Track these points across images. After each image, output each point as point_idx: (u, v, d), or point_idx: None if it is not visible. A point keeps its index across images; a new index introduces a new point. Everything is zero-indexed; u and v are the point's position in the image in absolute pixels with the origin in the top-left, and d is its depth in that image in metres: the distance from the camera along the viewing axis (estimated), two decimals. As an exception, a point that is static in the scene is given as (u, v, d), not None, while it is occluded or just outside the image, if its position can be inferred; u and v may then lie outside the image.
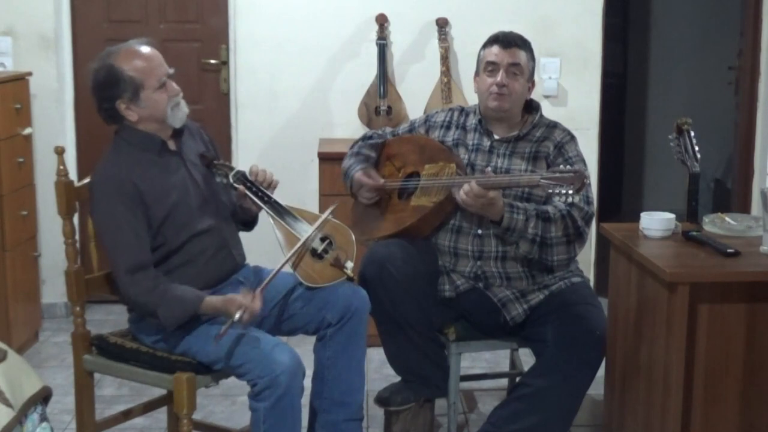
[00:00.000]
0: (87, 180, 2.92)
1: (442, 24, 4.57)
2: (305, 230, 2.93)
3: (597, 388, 3.26)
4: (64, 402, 3.57)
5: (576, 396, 3.09)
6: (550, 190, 2.89)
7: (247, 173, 2.95)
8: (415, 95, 4.57)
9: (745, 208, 4.70)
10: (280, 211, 2.95)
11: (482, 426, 3.19)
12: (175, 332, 2.79)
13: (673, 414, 2.66)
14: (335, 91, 4.68)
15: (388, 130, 3.49)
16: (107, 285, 3.01)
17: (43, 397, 2.51)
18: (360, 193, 3.27)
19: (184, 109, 2.89)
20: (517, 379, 3.34)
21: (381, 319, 3.18)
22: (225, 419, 3.62)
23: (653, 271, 2.71)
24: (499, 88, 3.16)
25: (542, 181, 2.90)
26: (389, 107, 4.53)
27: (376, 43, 4.55)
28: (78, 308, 2.95)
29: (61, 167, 2.91)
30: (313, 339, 3.00)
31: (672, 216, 3.00)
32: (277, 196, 2.99)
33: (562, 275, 3.19)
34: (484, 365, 4.20)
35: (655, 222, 2.96)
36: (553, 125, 3.27)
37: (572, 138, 3.25)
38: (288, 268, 2.93)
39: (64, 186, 2.91)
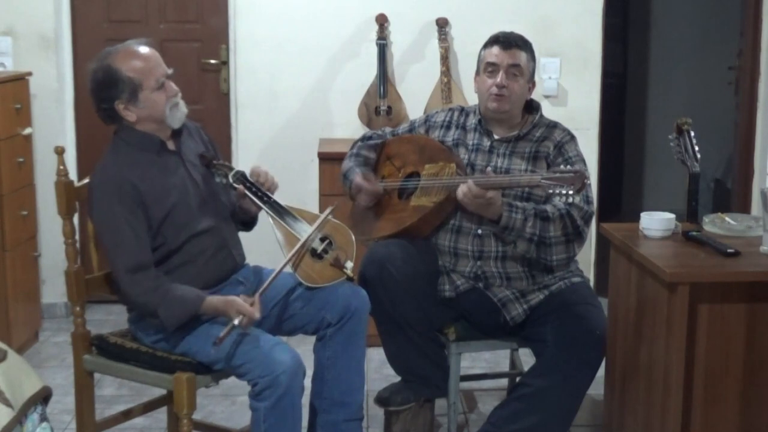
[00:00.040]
0: (86, 180, 2.92)
1: (442, 24, 4.57)
2: (305, 230, 2.93)
3: (597, 388, 3.26)
4: (64, 402, 3.57)
5: (576, 396, 3.10)
6: (551, 191, 2.89)
7: (249, 173, 2.95)
8: (415, 95, 4.57)
9: (745, 208, 4.70)
10: (280, 211, 2.95)
11: (482, 426, 3.19)
12: (175, 332, 2.79)
13: (673, 414, 2.66)
14: (335, 91, 4.68)
15: (388, 130, 3.49)
16: (107, 285, 3.01)
17: (43, 397, 2.51)
18: (358, 196, 3.27)
19: (182, 109, 2.89)
20: (517, 379, 3.34)
21: (381, 319, 3.18)
22: (225, 419, 3.62)
23: (653, 271, 2.71)
24: (499, 89, 3.16)
25: (543, 181, 2.90)
26: (389, 107, 4.53)
27: (376, 43, 4.55)
28: (78, 308, 2.95)
29: (61, 167, 2.91)
30: (313, 339, 3.00)
31: (672, 216, 3.00)
32: (277, 196, 2.99)
33: (562, 275, 3.19)
34: (484, 365, 4.20)
35: (655, 222, 2.96)
36: (553, 125, 3.27)
37: (572, 138, 3.25)
38: (288, 268, 2.93)
39: (64, 186, 2.91)
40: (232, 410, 3.72)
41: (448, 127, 3.34)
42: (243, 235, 3.11)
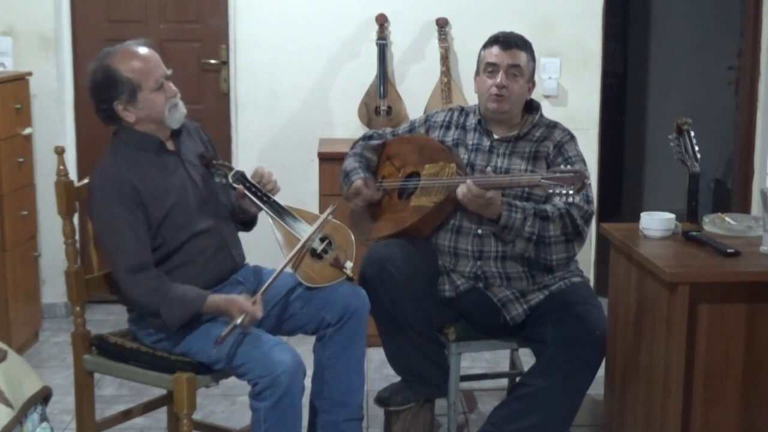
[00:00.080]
0: (86, 180, 2.92)
1: (442, 24, 4.57)
2: (305, 230, 2.93)
3: (597, 388, 3.26)
4: (64, 402, 3.57)
5: (576, 396, 3.10)
6: (551, 190, 2.89)
7: (252, 174, 2.95)
8: (415, 95, 4.57)
9: (745, 208, 4.70)
10: (280, 212, 2.95)
11: (482, 426, 3.19)
12: (176, 332, 2.79)
13: (673, 414, 2.66)
14: (335, 91, 4.68)
15: (389, 130, 3.49)
16: (107, 285, 3.01)
17: (43, 397, 2.51)
18: (354, 198, 3.27)
19: (181, 110, 2.89)
20: (517, 379, 3.34)
21: (381, 319, 3.18)
22: (225, 419, 3.62)
23: (653, 271, 2.71)
24: (499, 90, 3.16)
25: (543, 181, 2.90)
26: (389, 107, 4.53)
27: (376, 43, 4.55)
28: (78, 308, 2.95)
29: (61, 167, 2.91)
30: (313, 339, 3.00)
31: (672, 216, 3.00)
32: (277, 196, 2.99)
33: (562, 275, 3.19)
34: (484, 365, 4.20)
35: (655, 222, 2.96)
36: (553, 125, 3.27)
37: (572, 138, 3.25)
38: (288, 268, 2.93)
39: (64, 186, 2.91)
40: (232, 410, 3.72)
41: (448, 127, 3.34)
42: (243, 235, 3.11)
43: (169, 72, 2.86)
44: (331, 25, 4.64)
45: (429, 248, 3.21)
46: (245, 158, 4.67)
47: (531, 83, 3.26)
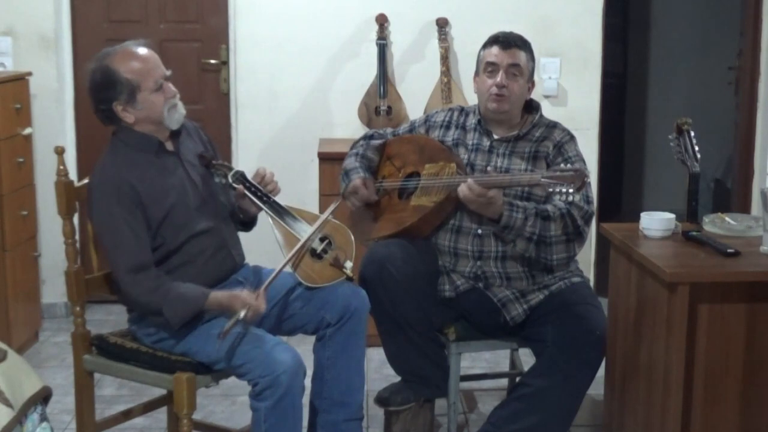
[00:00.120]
0: (86, 181, 2.92)
1: (442, 24, 4.57)
2: (304, 230, 2.93)
3: (597, 388, 3.26)
4: (64, 402, 3.57)
5: (576, 396, 3.10)
6: (551, 189, 2.89)
7: (252, 174, 2.95)
8: (415, 95, 4.57)
9: (745, 208, 4.70)
10: (280, 212, 2.95)
11: (482, 426, 3.19)
12: (175, 332, 2.79)
13: (673, 414, 2.66)
14: (335, 91, 4.68)
15: (389, 130, 3.49)
16: (107, 285, 3.01)
17: (43, 397, 2.51)
18: (351, 197, 3.27)
19: (181, 110, 2.88)
20: (517, 379, 3.34)
21: (381, 319, 3.18)
22: (225, 419, 3.62)
23: (653, 271, 2.71)
24: (499, 89, 3.16)
25: (543, 180, 2.90)
26: (389, 107, 4.53)
27: (376, 43, 4.55)
28: (78, 308, 2.95)
29: (61, 167, 2.91)
30: (312, 339, 3.00)
31: (672, 216, 3.00)
32: (277, 196, 2.99)
33: (562, 275, 3.19)
34: (484, 365, 4.20)
35: (655, 222, 2.96)
36: (553, 125, 3.27)
37: (572, 138, 3.25)
38: (288, 268, 2.93)
39: (64, 186, 2.91)
40: (232, 410, 3.72)
41: (448, 127, 3.34)
42: (243, 235, 3.11)
43: (168, 73, 2.86)
44: (331, 25, 4.64)
45: (429, 248, 3.21)
46: (245, 158, 4.67)
47: (531, 83, 3.26)
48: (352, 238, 2.99)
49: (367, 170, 3.30)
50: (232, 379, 2.90)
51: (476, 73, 3.29)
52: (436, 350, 3.23)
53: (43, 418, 2.49)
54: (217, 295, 2.77)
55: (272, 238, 2.96)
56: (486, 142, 3.24)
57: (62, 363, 4.14)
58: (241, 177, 2.93)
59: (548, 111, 3.68)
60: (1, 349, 2.45)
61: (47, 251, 4.58)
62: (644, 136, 7.14)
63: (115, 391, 3.85)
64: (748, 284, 2.69)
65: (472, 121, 3.30)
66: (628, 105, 7.06)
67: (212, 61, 4.81)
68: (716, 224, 3.03)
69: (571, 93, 4.70)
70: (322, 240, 2.95)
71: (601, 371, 3.13)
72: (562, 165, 2.98)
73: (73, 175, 4.48)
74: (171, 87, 2.86)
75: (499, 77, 3.16)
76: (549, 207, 3.08)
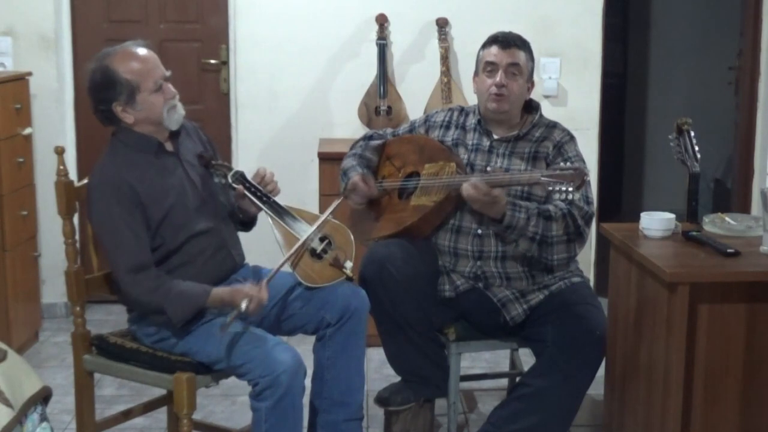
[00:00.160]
0: (86, 181, 2.92)
1: (442, 24, 4.57)
2: (304, 230, 2.93)
3: (597, 388, 3.26)
4: (64, 402, 3.57)
5: (576, 396, 3.09)
6: (551, 188, 2.89)
7: (252, 174, 2.95)
8: (415, 95, 4.57)
9: (745, 208, 4.70)
10: (279, 212, 2.95)
11: (482, 426, 3.19)
12: (175, 331, 2.79)
13: (673, 414, 2.66)
14: (335, 91, 4.68)
15: (389, 130, 3.49)
16: (107, 285, 3.01)
17: (43, 397, 2.51)
18: (350, 195, 3.27)
19: (180, 111, 2.88)
20: (517, 379, 3.34)
21: (381, 319, 3.18)
22: (225, 419, 3.62)
23: (653, 271, 2.71)
24: (498, 89, 3.16)
25: (543, 178, 2.90)
26: (389, 107, 4.53)
27: (376, 43, 4.55)
28: (78, 308, 2.95)
29: (61, 167, 2.91)
30: (312, 339, 3.00)
31: (672, 216, 3.00)
32: (277, 196, 2.99)
33: (562, 275, 3.19)
34: (484, 365, 4.20)
35: (655, 222, 2.96)
36: (553, 125, 3.27)
37: (572, 138, 3.25)
38: (288, 268, 2.93)
39: (64, 186, 2.91)
40: (232, 410, 3.72)
41: (448, 127, 3.34)
42: (242, 235, 3.11)
43: (167, 73, 2.86)
44: (331, 25, 4.64)
45: (429, 248, 3.21)
46: (245, 158, 4.67)
47: (530, 83, 3.26)
48: (352, 238, 2.99)
49: (366, 168, 3.30)
50: (232, 379, 2.89)
51: (476, 73, 3.29)
52: (436, 350, 3.23)
53: (43, 418, 2.49)
54: (219, 291, 2.77)
55: (272, 238, 2.96)
56: (486, 142, 3.24)
57: (62, 363, 4.14)
58: (240, 177, 2.93)
59: (548, 111, 3.68)
60: (1, 349, 2.45)
61: (47, 251, 4.58)
62: (644, 136, 7.14)
63: (115, 391, 3.86)
64: (748, 284, 2.69)
65: (471, 121, 3.31)
66: (628, 105, 7.06)
67: (212, 61, 4.81)
68: (716, 224, 3.03)
69: (571, 93, 4.70)
70: (322, 240, 2.95)
71: (601, 371, 3.13)
72: (561, 164, 2.99)
73: (73, 175, 4.48)
74: (170, 88, 2.86)
75: (499, 77, 3.16)
76: (551, 207, 3.08)
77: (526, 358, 3.53)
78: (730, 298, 2.69)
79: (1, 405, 2.27)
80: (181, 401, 2.74)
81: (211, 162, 2.96)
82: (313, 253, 2.94)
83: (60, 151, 2.94)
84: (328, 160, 4.18)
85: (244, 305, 2.68)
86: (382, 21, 4.56)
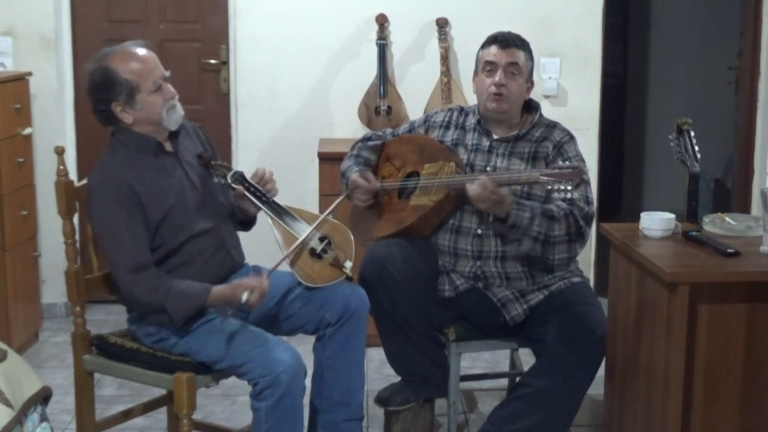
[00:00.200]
0: (85, 181, 2.92)
1: (442, 24, 4.57)
2: (304, 230, 2.93)
3: (597, 388, 3.26)
4: (64, 402, 3.57)
5: (576, 396, 3.09)
6: (549, 186, 2.89)
7: (252, 174, 2.95)
8: (415, 95, 4.57)
9: (745, 208, 4.70)
10: (279, 211, 2.95)
11: (482, 426, 3.19)
12: (176, 331, 2.79)
13: (673, 414, 2.66)
14: (335, 91, 4.68)
15: (389, 131, 3.49)
16: (107, 285, 3.01)
17: (43, 397, 2.51)
18: (354, 195, 3.27)
19: (179, 111, 2.88)
20: (517, 379, 3.34)
21: (381, 319, 3.18)
22: (225, 419, 3.62)
23: (653, 271, 2.71)
24: (498, 88, 3.16)
25: (541, 177, 2.90)
26: (389, 107, 4.53)
27: (376, 43, 4.55)
28: (78, 308, 2.95)
29: (61, 167, 2.91)
30: (312, 339, 3.00)
31: (672, 216, 3.00)
32: (277, 196, 2.99)
33: (561, 275, 3.19)
34: (484, 365, 4.20)
35: (655, 222, 2.96)
36: (553, 125, 3.27)
37: (571, 138, 3.25)
38: (288, 268, 2.93)
39: (64, 186, 2.91)
40: (232, 410, 3.72)
41: (447, 127, 3.34)
42: (242, 235, 3.11)
43: (167, 73, 2.86)
44: (331, 25, 4.64)
45: (429, 248, 3.21)
46: (245, 158, 4.67)
47: (530, 83, 3.26)
48: (352, 237, 2.99)
49: (363, 166, 3.31)
50: (232, 379, 2.89)
51: (475, 73, 3.29)
52: (436, 350, 3.23)
53: (43, 418, 2.49)
54: (219, 290, 2.77)
55: (272, 238, 2.96)
56: (485, 142, 3.24)
57: (62, 363, 4.14)
58: (240, 177, 2.93)
59: (548, 111, 3.68)
60: (1, 349, 2.45)
61: (47, 251, 4.58)
62: (644, 136, 7.14)
63: (115, 391, 3.86)
64: (748, 284, 2.69)
65: (471, 121, 3.30)
66: (628, 105, 7.06)
67: (212, 61, 4.81)
68: (716, 224, 3.03)
69: (571, 93, 4.70)
70: (321, 240, 2.95)
71: (601, 371, 3.13)
72: (560, 162, 2.99)
73: (73, 175, 4.49)
74: (170, 88, 2.86)
75: (498, 76, 3.16)
76: (553, 207, 3.08)
77: (526, 358, 3.53)
78: (730, 298, 2.69)
79: (1, 405, 2.28)
80: (181, 401, 2.74)
81: (210, 162, 2.96)
82: (313, 252, 2.94)
83: (60, 151, 2.94)
84: (328, 160, 4.18)
85: (245, 296, 2.68)
86: (382, 21, 4.56)
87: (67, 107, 4.75)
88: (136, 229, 2.76)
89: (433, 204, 3.13)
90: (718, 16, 6.70)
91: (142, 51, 2.84)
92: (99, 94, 2.81)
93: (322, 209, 3.89)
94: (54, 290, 4.67)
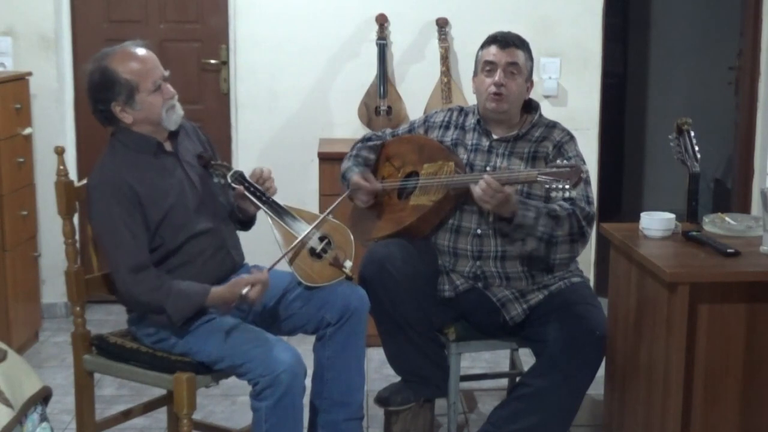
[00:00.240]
0: (85, 181, 2.92)
1: (442, 24, 4.57)
2: (304, 230, 2.93)
3: (597, 388, 3.26)
4: (64, 402, 3.57)
5: (576, 396, 3.09)
6: (548, 186, 2.89)
7: (249, 174, 2.95)
8: (415, 95, 4.57)
9: (745, 208, 4.70)
10: (279, 211, 2.95)
11: (482, 426, 3.19)
12: (175, 331, 2.79)
13: (673, 414, 2.66)
14: (335, 91, 4.68)
15: (389, 131, 3.49)
16: (107, 285, 3.01)
17: (43, 397, 2.51)
18: (356, 195, 3.27)
19: (179, 111, 2.88)
20: (517, 379, 3.34)
21: (381, 319, 3.18)
22: (225, 419, 3.62)
23: (653, 271, 2.71)
24: (497, 88, 3.16)
25: (540, 176, 2.90)
26: (389, 107, 4.53)
27: (376, 43, 4.55)
28: (78, 308, 2.95)
29: (61, 167, 2.91)
30: (312, 338, 3.00)
31: (672, 216, 3.00)
32: (277, 196, 2.99)
33: (561, 275, 3.19)
34: (484, 365, 4.20)
35: (655, 222, 2.96)
36: (552, 125, 3.27)
37: (571, 138, 3.25)
38: (287, 267, 2.93)
39: (64, 186, 2.91)
40: (232, 410, 3.72)
41: (447, 127, 3.34)
42: (242, 235, 3.11)
43: (166, 73, 2.86)
44: (331, 25, 4.64)
45: (429, 248, 3.21)
46: (245, 158, 4.67)
47: (529, 82, 3.26)
48: (352, 237, 2.99)
49: (363, 167, 3.31)
50: (232, 379, 2.89)
51: (475, 73, 3.29)
52: (436, 350, 3.23)
53: (43, 418, 2.49)
54: (218, 290, 2.78)
55: (272, 238, 2.96)
56: (485, 142, 3.24)
57: (62, 363, 4.14)
58: (240, 177, 2.93)
59: (548, 111, 3.68)
60: (1, 349, 2.45)
61: (47, 251, 4.58)
62: (644, 136, 7.14)
63: (115, 391, 3.86)
64: (748, 284, 2.69)
65: (471, 121, 3.30)
66: (628, 105, 7.06)
67: (212, 61, 4.81)
68: (716, 224, 3.03)
69: (571, 93, 4.70)
70: (321, 239, 2.95)
71: (601, 371, 3.13)
72: (558, 161, 2.98)
73: (73, 175, 4.49)
74: (169, 88, 2.86)
75: (497, 76, 3.16)
76: (556, 207, 3.07)
77: (526, 358, 3.53)
78: (730, 298, 2.69)
79: (1, 405, 2.28)
80: (181, 401, 2.74)
81: (210, 162, 2.96)
82: (313, 252, 2.94)
83: (60, 151, 2.94)
84: (328, 160, 4.18)
85: (245, 290, 2.68)
86: (382, 21, 4.56)
87: (67, 107, 4.75)
88: (136, 230, 2.76)
89: (432, 204, 3.13)
90: (718, 16, 6.70)
91: (141, 51, 2.84)
92: (99, 94, 2.81)
93: (322, 209, 3.89)
94: (54, 290, 4.67)
